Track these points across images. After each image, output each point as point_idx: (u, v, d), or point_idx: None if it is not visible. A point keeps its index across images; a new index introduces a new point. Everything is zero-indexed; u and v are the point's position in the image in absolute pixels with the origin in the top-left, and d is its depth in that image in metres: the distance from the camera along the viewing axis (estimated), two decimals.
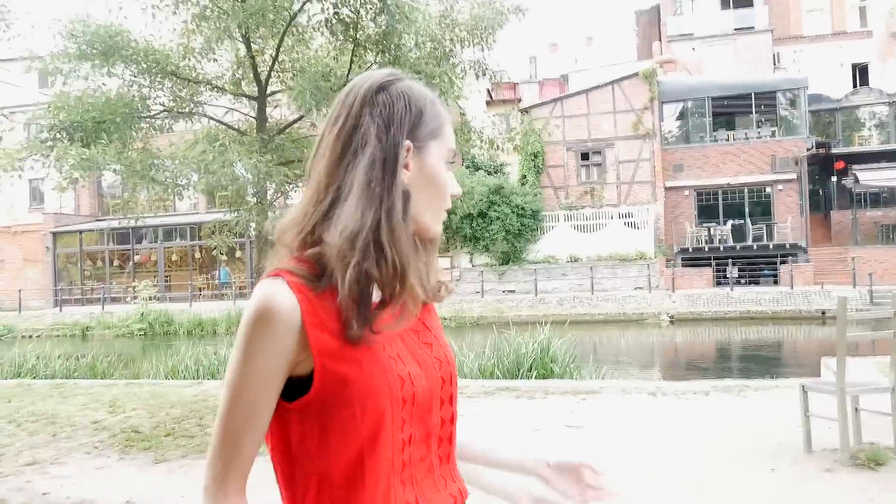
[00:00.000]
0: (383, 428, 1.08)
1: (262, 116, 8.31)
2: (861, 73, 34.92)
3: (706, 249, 27.89)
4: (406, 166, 1.13)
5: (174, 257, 34.81)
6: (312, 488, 1.10)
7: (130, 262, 34.55)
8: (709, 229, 28.50)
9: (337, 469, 1.08)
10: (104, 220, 34.41)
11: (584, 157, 30.39)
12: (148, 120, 8.77)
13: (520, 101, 34.65)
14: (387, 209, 1.10)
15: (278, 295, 1.06)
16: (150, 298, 26.97)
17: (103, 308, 29.03)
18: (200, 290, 32.43)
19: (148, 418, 7.31)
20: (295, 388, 1.08)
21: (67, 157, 7.23)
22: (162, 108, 8.95)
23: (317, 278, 1.09)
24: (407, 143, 1.13)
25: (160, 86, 8.66)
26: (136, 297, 27.15)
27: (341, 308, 1.07)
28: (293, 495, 1.12)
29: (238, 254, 32.56)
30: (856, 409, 5.16)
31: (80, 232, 34.56)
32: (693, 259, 27.80)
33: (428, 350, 1.19)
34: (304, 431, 1.09)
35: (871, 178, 27.83)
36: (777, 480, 4.73)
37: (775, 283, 26.16)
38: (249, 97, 8.78)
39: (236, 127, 9.41)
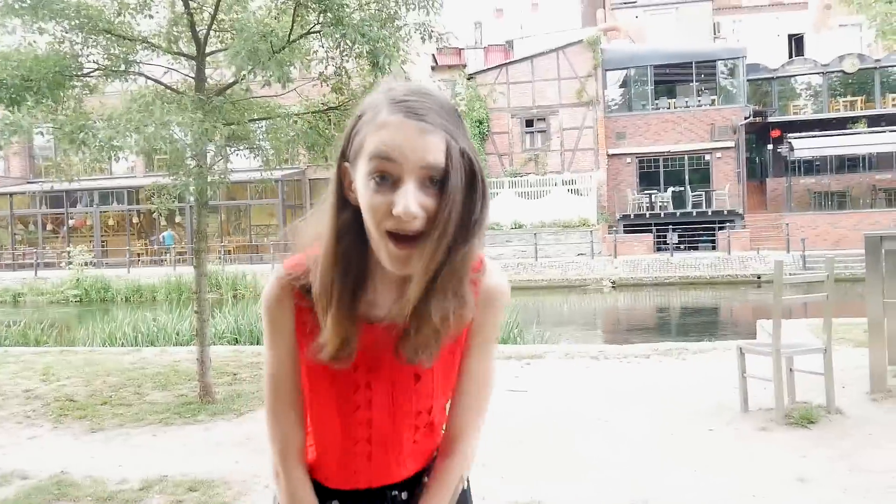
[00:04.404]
0: (333, 428, 1.24)
1: (200, 76, 8.02)
2: (797, 44, 35.67)
3: (647, 216, 28.40)
4: (350, 187, 1.11)
5: (111, 222, 33.78)
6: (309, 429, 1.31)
7: (64, 227, 33.40)
8: (650, 196, 28.98)
9: (309, 420, 1.28)
10: (36, 182, 33.13)
11: (529, 123, 30.46)
12: (80, 79, 8.39)
13: (465, 66, 34.41)
14: (323, 230, 1.13)
15: (279, 292, 1.19)
16: (86, 264, 26.15)
17: (36, 274, 28.06)
18: (139, 255, 31.62)
19: (83, 386, 7.11)
20: None
21: None
22: (95, 66, 8.56)
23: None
24: (345, 164, 1.11)
25: (93, 43, 8.27)
26: (70, 263, 26.26)
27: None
28: None
29: (178, 219, 31.79)
30: (790, 369, 5.33)
31: (11, 195, 33.20)
32: (634, 225, 28.28)
33: (412, 382, 1.20)
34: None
35: (805, 146, 28.57)
36: (715, 439, 4.86)
37: (713, 248, 26.82)
38: (187, 56, 8.46)
39: (174, 87, 9.07)
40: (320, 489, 1.29)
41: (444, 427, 1.31)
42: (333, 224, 1.11)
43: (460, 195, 1.02)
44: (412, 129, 1.02)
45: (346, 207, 1.11)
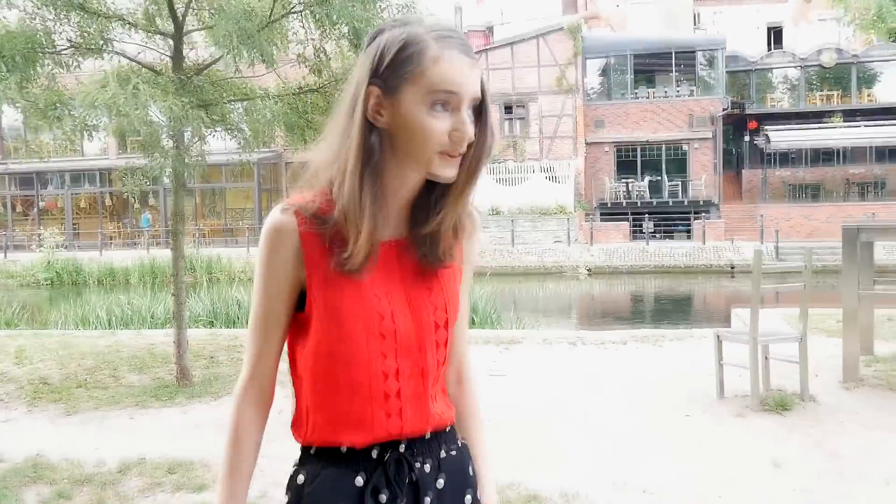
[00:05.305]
0: (356, 356, 1.21)
1: (178, 56, 7.89)
2: (776, 36, 35.91)
3: (624, 204, 28.56)
4: (378, 111, 1.18)
5: (83, 204, 33.33)
6: (295, 386, 1.28)
7: (35, 209, 32.88)
8: (627, 184, 29.13)
9: (314, 378, 1.23)
10: (5, 163, 32.56)
11: (508, 110, 30.42)
12: (53, 56, 8.22)
13: None
14: (344, 152, 1.19)
15: (282, 219, 1.21)
16: (57, 246, 25.77)
17: (6, 256, 27.64)
18: (111, 238, 31.23)
19: (58, 369, 7.02)
20: (304, 301, 1.23)
21: None
22: (69, 43, 8.38)
23: (325, 219, 1.20)
24: (371, 87, 1.18)
25: (66, 19, 8.10)
26: (41, 245, 25.88)
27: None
28: (293, 391, 1.30)
29: (152, 201, 31.43)
30: (766, 357, 5.39)
31: None
32: (611, 213, 28.44)
33: (426, 294, 1.26)
34: (300, 337, 1.26)
35: (781, 138, 28.86)
36: (691, 425, 4.92)
37: (688, 237, 27.06)
38: (165, 35, 8.32)
39: (150, 66, 8.93)
40: (345, 456, 1.23)
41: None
42: (362, 145, 1.18)
43: (493, 122, 1.21)
44: (467, 64, 1.17)
45: (374, 130, 1.19)
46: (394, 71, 1.16)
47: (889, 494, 3.71)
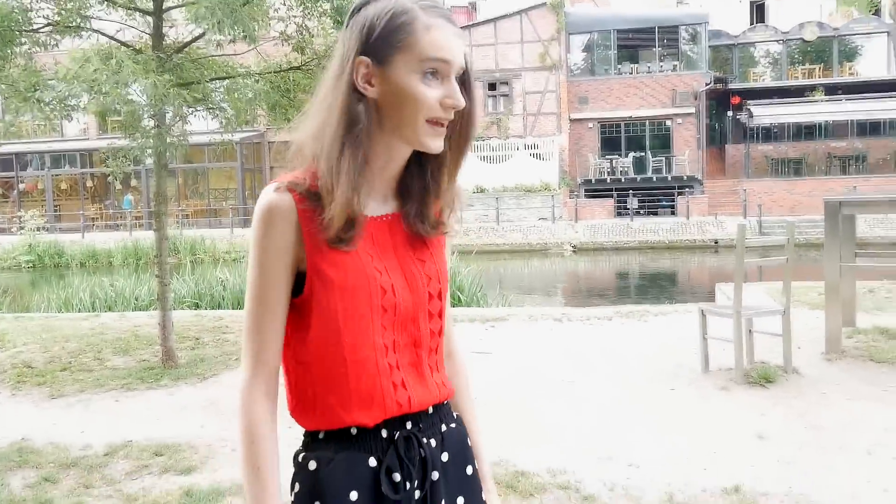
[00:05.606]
0: (362, 331, 1.20)
1: (158, 33, 7.77)
2: (758, 11, 35.90)
3: (608, 181, 28.60)
4: (368, 81, 1.19)
5: (63, 185, 32.92)
6: (294, 373, 1.25)
7: (15, 191, 32.47)
8: (611, 161, 29.17)
9: (319, 361, 1.21)
10: None
11: (492, 87, 30.28)
12: (30, 35, 8.08)
13: None
14: (327, 124, 1.18)
15: (278, 198, 1.18)
16: (38, 229, 25.51)
17: None
18: (93, 220, 30.93)
19: (41, 353, 6.97)
20: (300, 285, 1.21)
21: None
22: (46, 21, 8.23)
23: (317, 195, 1.18)
24: (361, 58, 1.18)
25: None
26: (22, 228, 25.61)
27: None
28: (287, 378, 1.27)
29: (134, 182, 31.12)
30: (749, 330, 5.44)
31: None
32: (596, 190, 28.47)
33: (420, 266, 1.28)
34: (297, 322, 1.23)
35: (763, 113, 28.94)
36: (677, 399, 4.96)
37: (672, 213, 27.17)
38: (144, 12, 8.19)
39: (130, 44, 8.79)
40: (356, 438, 1.22)
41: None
42: (345, 111, 1.18)
43: (477, 94, 1.22)
44: (453, 33, 1.20)
45: (361, 100, 1.19)
46: (385, 41, 1.17)
47: (871, 464, 3.76)
